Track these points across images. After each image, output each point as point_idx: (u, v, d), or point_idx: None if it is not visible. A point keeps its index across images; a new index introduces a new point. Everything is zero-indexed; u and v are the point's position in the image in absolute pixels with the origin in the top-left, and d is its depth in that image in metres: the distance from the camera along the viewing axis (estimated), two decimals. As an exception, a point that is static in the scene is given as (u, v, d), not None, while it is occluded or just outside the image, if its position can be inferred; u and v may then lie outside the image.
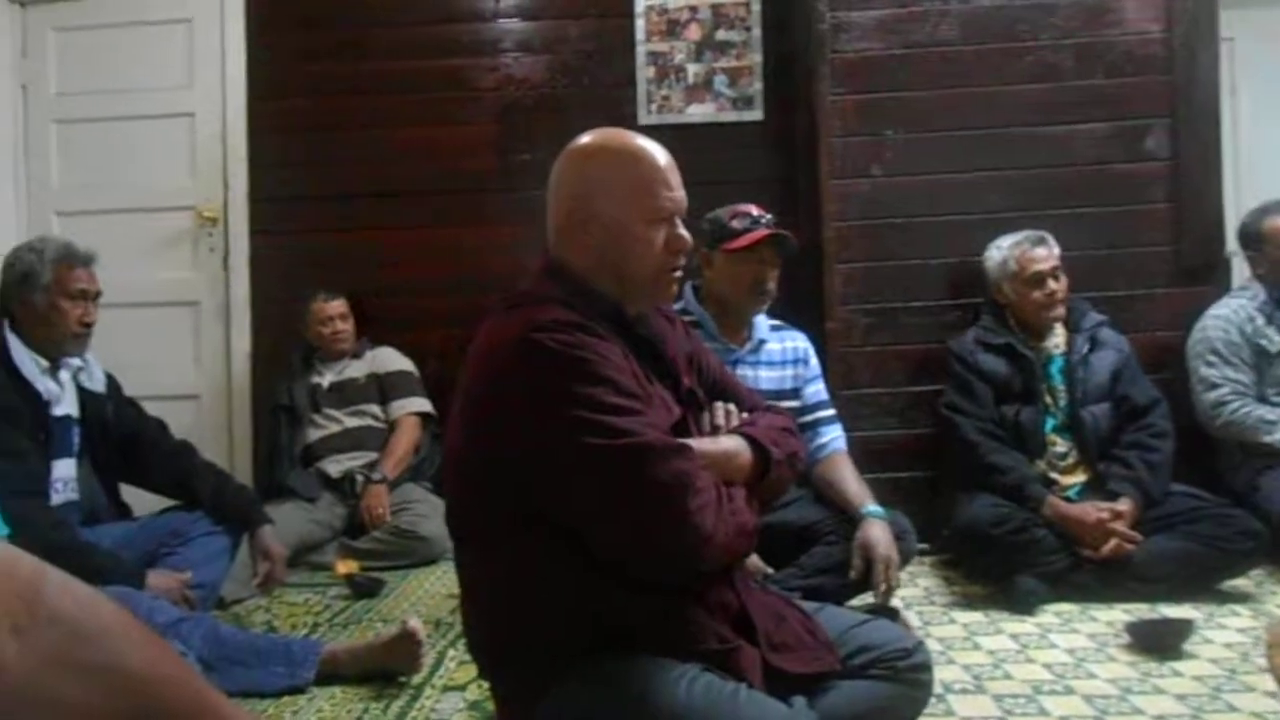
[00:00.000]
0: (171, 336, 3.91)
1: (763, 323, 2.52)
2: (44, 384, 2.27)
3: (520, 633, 1.35)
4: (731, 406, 1.54)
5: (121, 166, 3.97)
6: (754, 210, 2.44)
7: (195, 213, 3.90)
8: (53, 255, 2.32)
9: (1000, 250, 2.99)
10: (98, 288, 2.41)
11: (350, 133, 3.83)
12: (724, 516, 1.27)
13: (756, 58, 3.70)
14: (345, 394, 3.53)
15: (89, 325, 2.37)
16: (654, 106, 3.73)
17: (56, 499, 2.31)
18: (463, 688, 2.03)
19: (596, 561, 1.27)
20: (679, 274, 1.46)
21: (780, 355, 2.52)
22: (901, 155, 3.40)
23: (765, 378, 2.47)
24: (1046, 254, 2.91)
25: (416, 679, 2.08)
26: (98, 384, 2.47)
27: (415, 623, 2.08)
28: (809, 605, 1.58)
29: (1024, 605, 2.51)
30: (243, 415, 3.87)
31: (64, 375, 2.38)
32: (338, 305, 3.58)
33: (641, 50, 3.75)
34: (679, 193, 1.43)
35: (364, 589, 2.82)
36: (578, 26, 3.80)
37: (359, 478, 3.35)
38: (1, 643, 0.62)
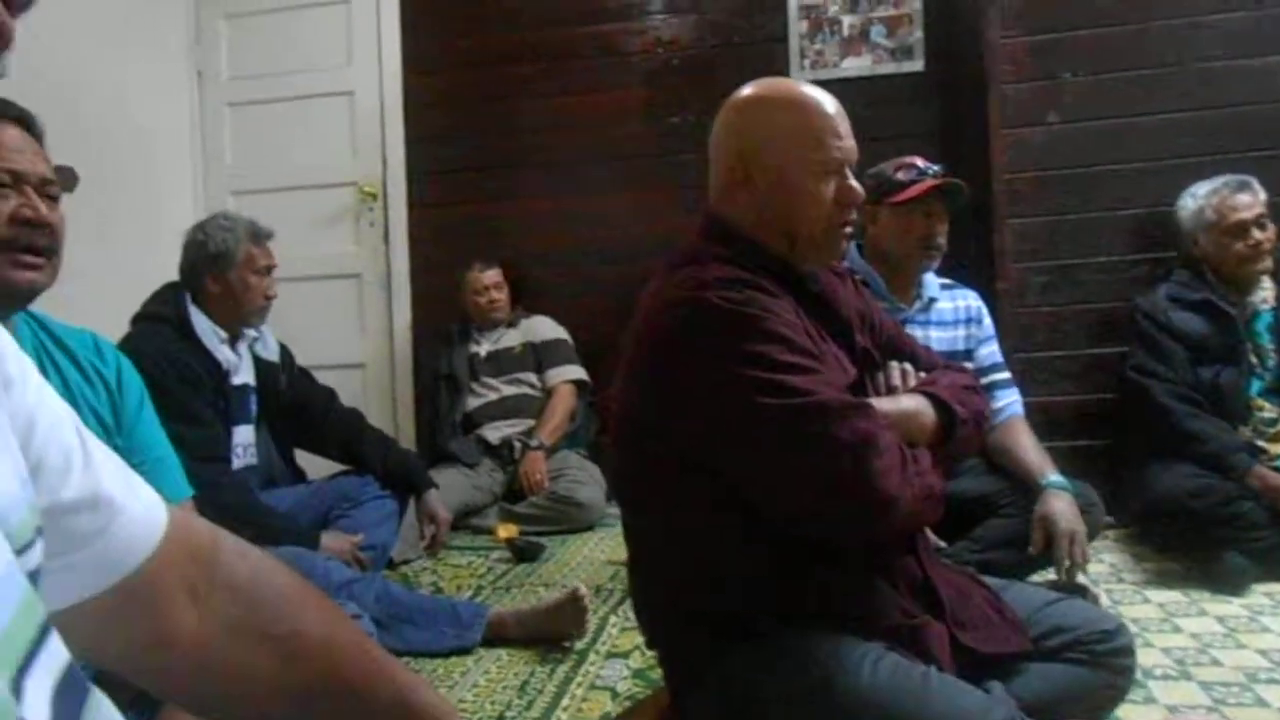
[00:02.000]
0: (337, 308, 4.07)
1: (932, 281, 2.38)
2: (224, 354, 2.38)
3: (689, 601, 1.31)
4: (908, 366, 1.44)
5: (288, 145, 4.13)
6: (919, 162, 2.31)
7: (357, 188, 4.03)
8: (243, 233, 2.41)
9: (1195, 198, 2.73)
10: (277, 263, 2.51)
11: (502, 104, 3.86)
12: (909, 479, 1.17)
13: (916, 4, 3.51)
14: (501, 363, 3.58)
15: (270, 299, 2.47)
16: (807, 62, 3.59)
17: (237, 464, 2.42)
18: (626, 655, 2.02)
19: (771, 528, 1.21)
20: (849, 229, 1.37)
21: (952, 314, 2.38)
22: (1081, 99, 3.14)
23: (936, 338, 2.33)
24: (1250, 200, 2.63)
25: (580, 644, 2.07)
26: (272, 354, 2.57)
27: (582, 587, 2.07)
28: (994, 581, 1.47)
29: (1230, 585, 2.29)
30: (405, 383, 3.99)
31: (241, 346, 2.48)
32: (493, 275, 3.62)
33: (793, 4, 3.61)
34: (848, 142, 1.34)
35: (525, 553, 2.85)
36: (727, -16, 3.69)
37: (517, 444, 3.40)
38: (181, 609, 0.61)
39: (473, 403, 3.55)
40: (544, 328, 3.64)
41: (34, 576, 0.46)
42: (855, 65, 3.55)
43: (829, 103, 1.34)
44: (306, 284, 3.93)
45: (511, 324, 3.66)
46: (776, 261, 1.33)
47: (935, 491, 1.22)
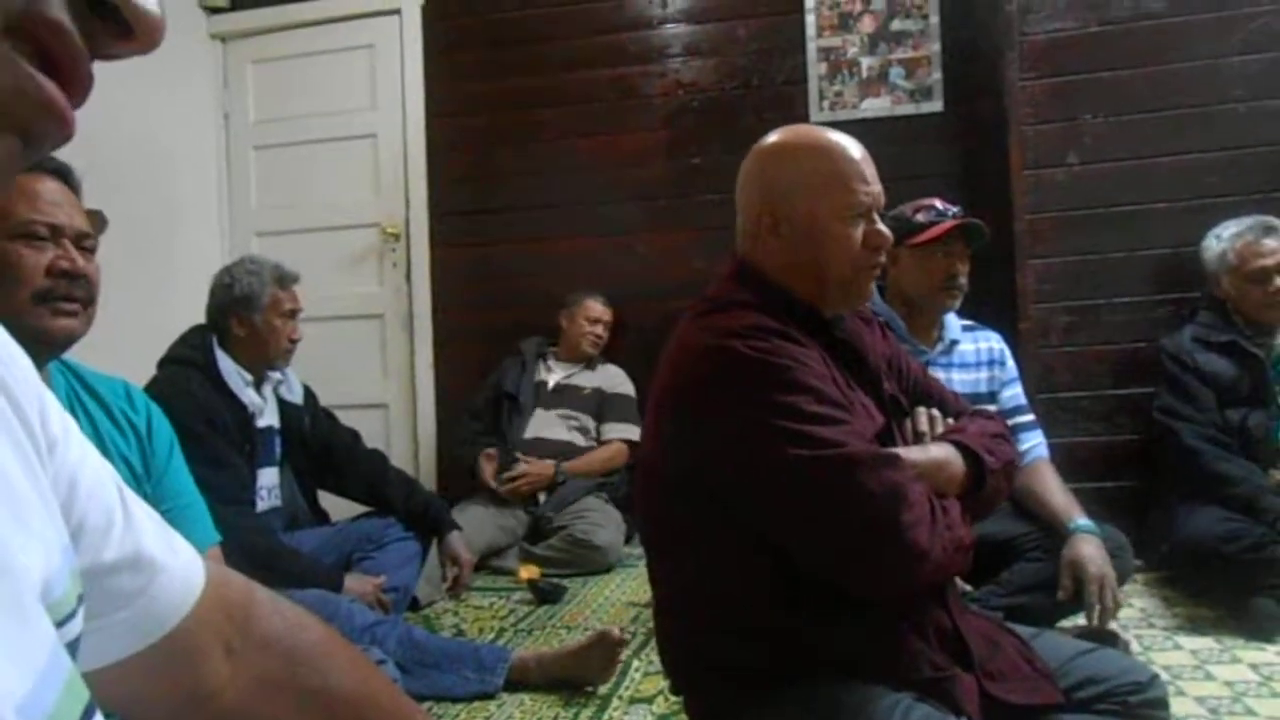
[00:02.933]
0: (360, 348, 4.10)
1: (954, 322, 2.38)
2: (249, 397, 2.40)
3: (714, 648, 1.29)
4: (936, 412, 1.43)
5: (312, 188, 4.19)
6: (939, 203, 2.32)
7: (379, 229, 4.08)
8: (270, 276, 2.44)
9: (1220, 240, 2.72)
10: (302, 306, 2.54)
11: (522, 146, 3.90)
12: (939, 531, 1.17)
13: (935, 47, 3.53)
14: (567, 399, 3.57)
15: (295, 342, 2.49)
16: (826, 104, 3.62)
17: (262, 505, 2.43)
18: (650, 700, 2.00)
19: (798, 578, 1.20)
20: (877, 271, 1.37)
21: (974, 356, 2.37)
22: (1102, 140, 3.15)
23: (959, 380, 2.32)
24: (1275, 246, 2.62)
25: (603, 689, 2.06)
26: (296, 396, 2.59)
27: (616, 629, 2.06)
28: (1024, 630, 1.45)
29: (1263, 631, 2.25)
30: (427, 422, 4.01)
31: (266, 388, 2.50)
32: (607, 311, 3.65)
33: (813, 46, 3.64)
34: (875, 186, 1.35)
35: (547, 595, 2.84)
36: (746, 27, 3.73)
37: (543, 504, 3.38)
38: (216, 665, 0.62)
39: (526, 431, 3.53)
40: (618, 379, 3.64)
41: (74, 646, 0.47)
42: (874, 106, 3.58)
43: (855, 148, 1.35)
44: (330, 324, 3.96)
45: (589, 365, 3.66)
46: (804, 307, 1.33)
47: (965, 543, 1.22)
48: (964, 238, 2.27)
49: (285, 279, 2.47)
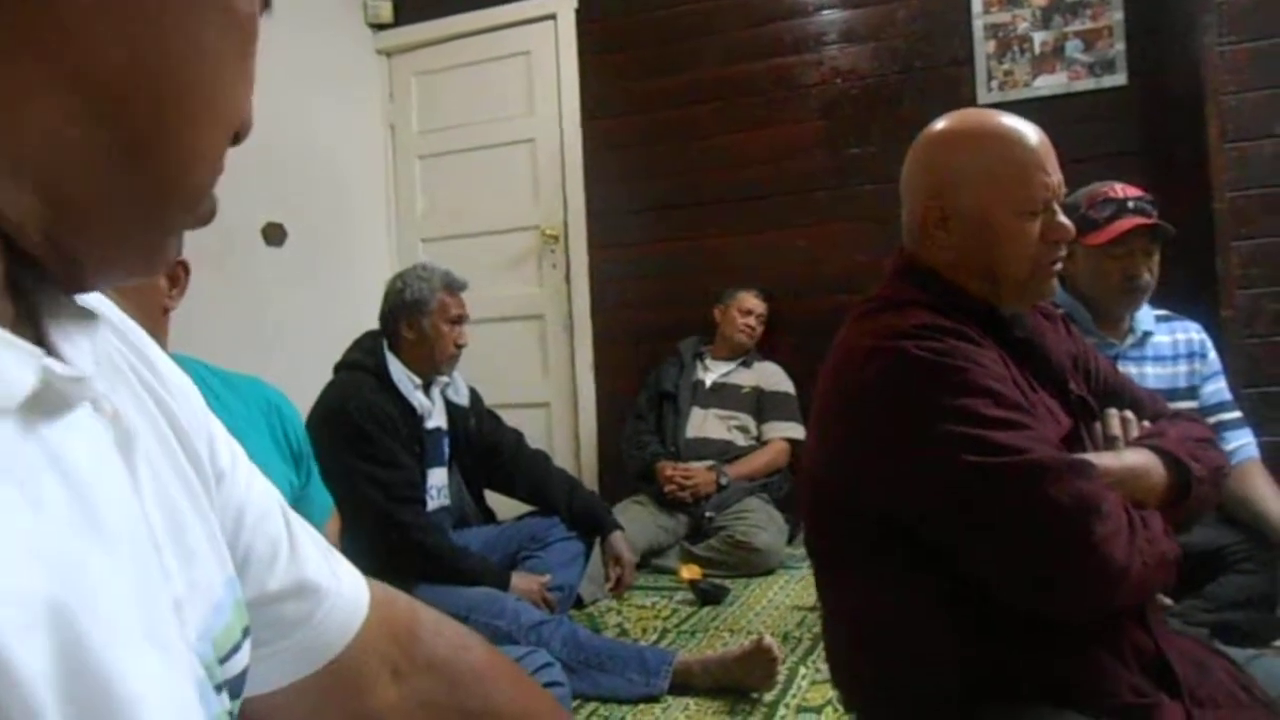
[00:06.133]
0: (521, 348, 4.19)
1: (1147, 312, 2.19)
2: (418, 399, 2.48)
3: (890, 671, 1.23)
4: (1129, 413, 1.31)
5: (473, 193, 4.32)
6: (1117, 191, 2.11)
7: (539, 232, 4.16)
8: (439, 283, 2.52)
9: None
10: (468, 313, 2.61)
11: (679, 143, 3.89)
12: (1139, 546, 1.06)
13: (1117, 15, 3.29)
14: (725, 397, 3.56)
15: (461, 347, 2.56)
16: (995, 84, 3.43)
17: (431, 505, 2.50)
18: (818, 709, 1.94)
19: (977, 597, 1.12)
20: (1059, 266, 1.27)
21: (1171, 349, 2.18)
22: (1316, 106, 2.84)
23: (1153, 375, 2.14)
24: None
25: (769, 695, 2.01)
26: (462, 398, 2.66)
27: (768, 638, 2.02)
28: (1236, 652, 1.32)
29: None
30: (588, 421, 4.06)
31: (434, 390, 2.58)
32: (762, 305, 3.63)
33: (979, 24, 3.46)
34: (1055, 176, 1.24)
35: (709, 595, 2.81)
36: (905, 8, 3.59)
37: (707, 513, 3.34)
38: (382, 689, 0.62)
39: (687, 431, 3.52)
40: (776, 376, 3.60)
41: (240, 679, 0.46)
42: (1049, 83, 3.36)
43: (1032, 134, 1.25)
44: (491, 325, 4.07)
45: (746, 363, 3.63)
46: (979, 305, 1.24)
47: (1169, 558, 1.10)
48: (1147, 232, 2.08)
49: (454, 285, 2.54)
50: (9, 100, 0.31)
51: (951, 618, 1.15)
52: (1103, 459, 1.16)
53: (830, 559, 1.31)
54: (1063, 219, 1.24)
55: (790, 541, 3.31)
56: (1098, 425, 1.30)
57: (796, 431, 3.49)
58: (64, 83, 0.32)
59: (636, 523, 3.16)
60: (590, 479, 3.94)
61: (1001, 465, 1.06)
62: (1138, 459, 1.19)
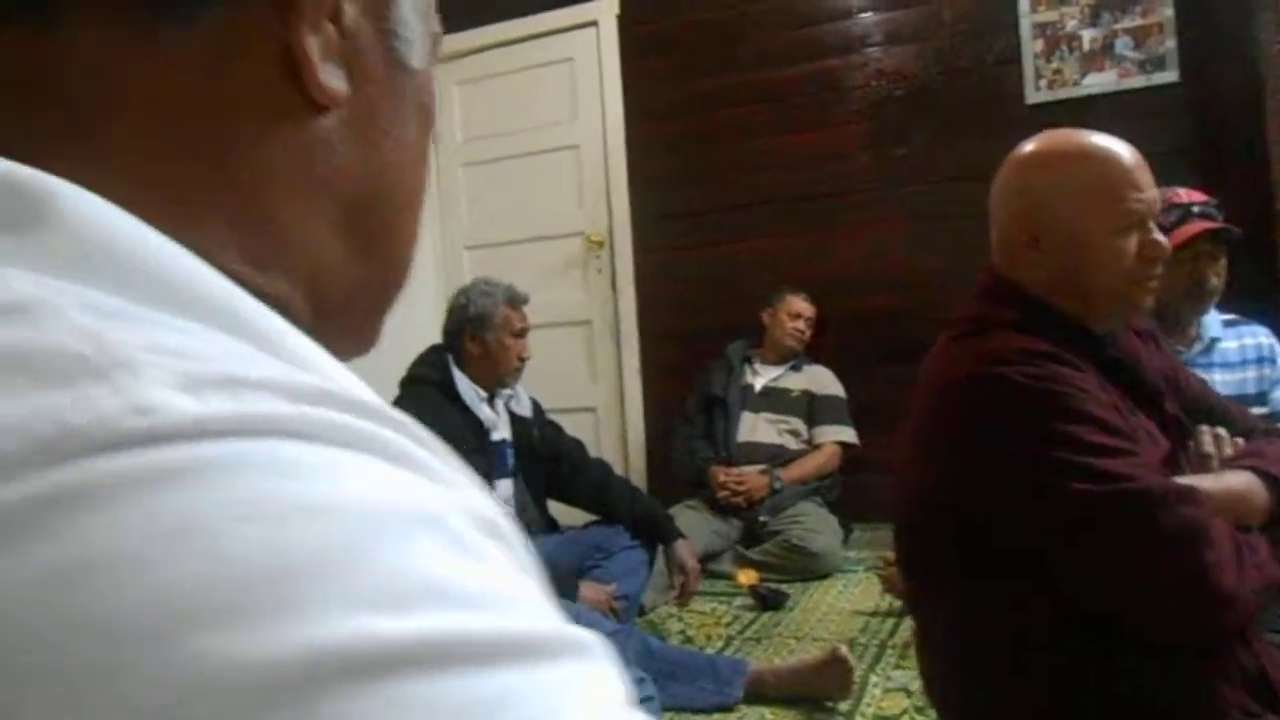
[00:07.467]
0: (568, 354, 4.22)
1: (1214, 318, 2.19)
2: (484, 412, 2.52)
3: (988, 687, 1.24)
4: (1221, 431, 1.32)
5: (518, 200, 4.35)
6: (1181, 195, 2.11)
7: (584, 238, 4.18)
8: (502, 297, 2.56)
9: None
10: (529, 325, 2.64)
11: (723, 146, 3.90)
12: (1247, 572, 1.08)
13: (1167, 12, 3.26)
14: (775, 401, 3.57)
15: (524, 360, 2.59)
16: (1044, 82, 3.42)
17: (499, 516, 2.53)
18: (895, 719, 1.96)
19: (1079, 615, 1.14)
20: (1155, 284, 1.28)
21: (1239, 354, 2.18)
22: (1376, 101, 2.81)
23: (1221, 381, 2.13)
24: None
25: (843, 706, 2.03)
26: (525, 409, 2.69)
27: (843, 648, 2.04)
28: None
29: None
30: (636, 426, 4.08)
31: (498, 403, 2.62)
32: (809, 307, 3.64)
33: (1026, 23, 3.45)
34: (1150, 193, 1.25)
35: (768, 601, 2.83)
36: (951, 8, 3.57)
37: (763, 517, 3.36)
38: None
39: (737, 435, 3.54)
40: (826, 379, 3.60)
41: None
42: (1098, 81, 3.34)
43: (1126, 152, 1.26)
44: (538, 331, 4.04)
45: (795, 366, 3.64)
46: (1073, 326, 1.25)
47: (1275, 582, 1.12)
48: (1212, 236, 2.07)
49: (516, 299, 2.58)
50: (293, 223, 0.35)
51: (1053, 636, 1.16)
52: (1204, 482, 1.17)
53: (927, 577, 1.33)
54: (1158, 236, 1.25)
55: (845, 543, 3.33)
56: (1190, 443, 1.31)
57: (848, 435, 3.50)
58: (331, 203, 0.36)
59: (690, 528, 3.16)
60: (638, 483, 3.96)
61: (1108, 494, 1.07)
62: (1239, 481, 1.20)
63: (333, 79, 0.34)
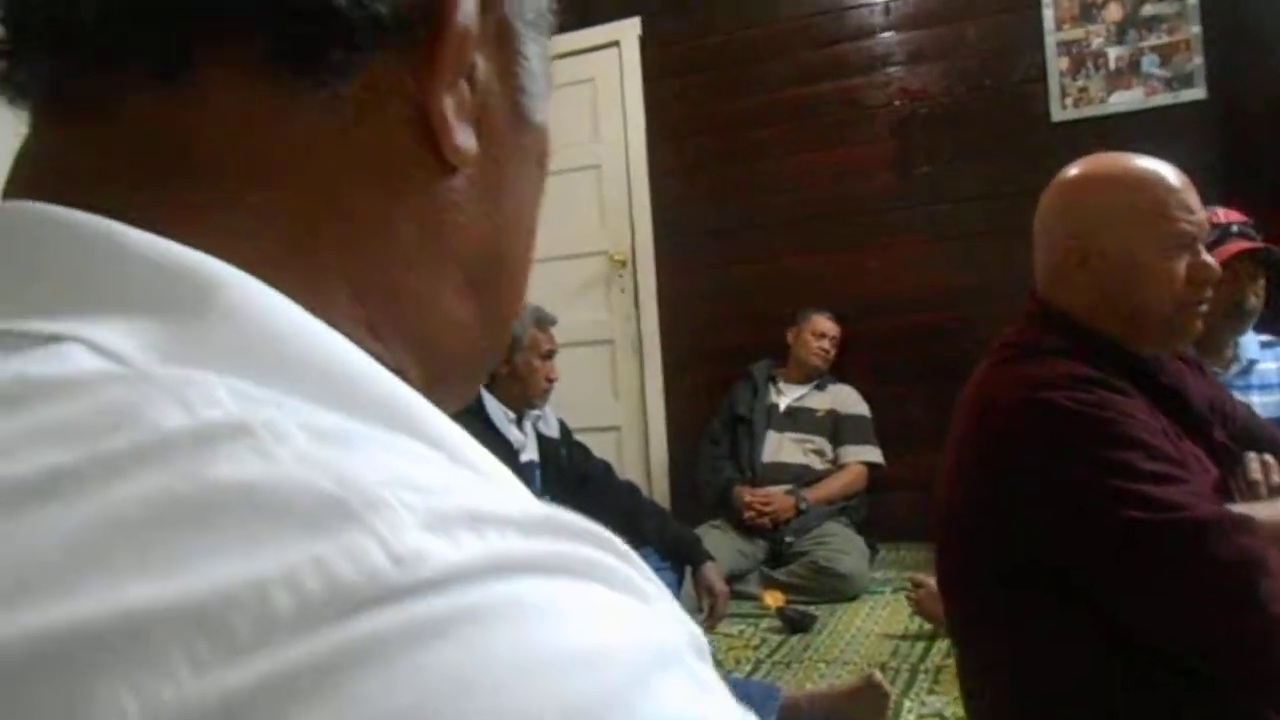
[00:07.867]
0: (591, 373, 4.21)
1: (1251, 339, 2.17)
2: (513, 434, 2.51)
3: (1031, 716, 1.23)
4: (1269, 458, 1.30)
5: (541, 220, 4.30)
6: (1219, 216, 2.10)
7: (607, 257, 4.19)
8: (530, 319, 2.56)
9: None
10: (557, 347, 2.64)
11: (746, 165, 3.91)
12: (1304, 602, 1.06)
13: (1194, 29, 3.25)
14: (800, 421, 3.56)
15: (552, 381, 2.59)
16: (1070, 100, 3.41)
17: (528, 538, 2.53)
18: (931, 746, 1.94)
19: (1127, 645, 1.12)
20: (1204, 307, 1.26)
21: (1277, 376, 2.15)
22: None
23: (1259, 404, 2.09)
24: None
25: (877, 732, 2.01)
26: (553, 430, 2.69)
27: (878, 674, 2.02)
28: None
29: None
30: (659, 445, 4.07)
31: (526, 424, 2.62)
32: (834, 326, 3.63)
33: (1051, 41, 3.44)
34: (1199, 214, 1.24)
35: (797, 623, 2.81)
36: (976, 26, 3.57)
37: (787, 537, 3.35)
38: None
39: (762, 455, 3.53)
40: (851, 399, 3.59)
41: None
42: (1125, 100, 3.33)
43: (1173, 174, 1.25)
44: (562, 351, 4.08)
45: (820, 385, 3.63)
46: (1120, 351, 1.24)
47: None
48: (1250, 256, 2.05)
49: (544, 321, 2.58)
50: (418, 291, 0.34)
51: (1099, 665, 1.15)
52: (1258, 510, 1.16)
53: (968, 601, 1.31)
54: (1208, 258, 1.24)
55: (873, 565, 3.30)
56: (1239, 470, 1.29)
57: (874, 455, 3.49)
58: (457, 268, 0.35)
59: (714, 548, 3.13)
60: (661, 502, 3.94)
61: (1164, 522, 1.06)
62: (1293, 508, 1.18)
63: (466, 139, 0.32)
